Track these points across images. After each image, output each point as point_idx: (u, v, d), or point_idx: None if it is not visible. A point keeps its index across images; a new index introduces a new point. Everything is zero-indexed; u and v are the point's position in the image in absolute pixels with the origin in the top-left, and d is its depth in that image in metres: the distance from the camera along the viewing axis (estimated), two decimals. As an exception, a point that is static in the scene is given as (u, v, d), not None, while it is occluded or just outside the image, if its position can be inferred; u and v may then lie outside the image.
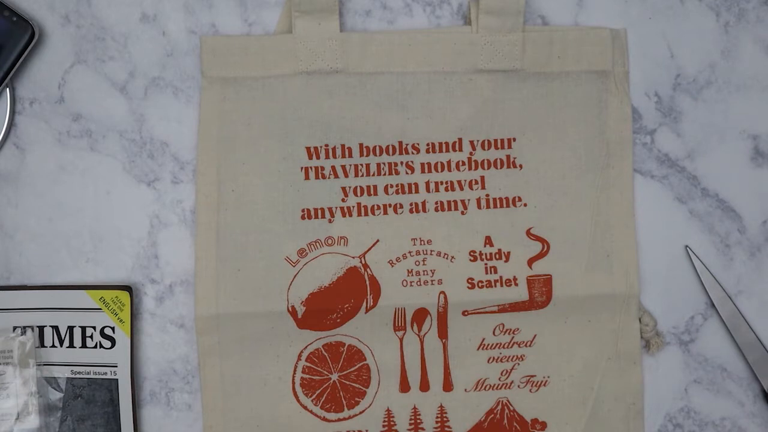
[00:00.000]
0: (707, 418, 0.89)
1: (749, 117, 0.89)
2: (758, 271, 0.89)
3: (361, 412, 0.87)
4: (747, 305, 0.89)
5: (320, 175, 0.86)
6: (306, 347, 0.86)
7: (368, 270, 0.86)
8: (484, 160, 0.87)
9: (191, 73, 0.87)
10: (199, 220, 0.85)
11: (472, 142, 0.86)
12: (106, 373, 0.85)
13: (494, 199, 0.87)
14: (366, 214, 0.86)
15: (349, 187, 0.86)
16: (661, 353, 0.89)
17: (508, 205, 0.87)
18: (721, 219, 0.89)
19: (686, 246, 0.89)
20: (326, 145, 0.86)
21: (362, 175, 0.86)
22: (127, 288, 0.85)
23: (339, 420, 0.86)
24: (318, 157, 0.86)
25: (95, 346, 0.85)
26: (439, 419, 0.87)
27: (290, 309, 0.85)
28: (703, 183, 0.89)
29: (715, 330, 0.89)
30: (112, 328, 0.85)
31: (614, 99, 0.87)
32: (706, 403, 0.89)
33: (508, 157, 0.87)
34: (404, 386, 0.87)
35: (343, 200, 0.86)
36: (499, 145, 0.86)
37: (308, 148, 0.86)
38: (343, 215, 0.86)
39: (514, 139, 0.87)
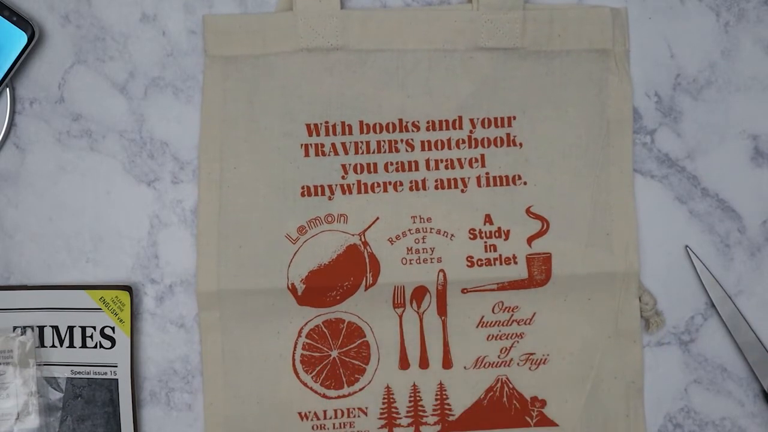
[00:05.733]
0: (707, 418, 0.89)
1: (749, 117, 0.89)
2: (758, 271, 0.89)
3: (360, 389, 0.87)
4: (747, 305, 0.89)
5: (320, 152, 0.86)
6: (306, 324, 0.86)
7: (368, 248, 0.86)
8: (484, 138, 0.87)
9: (191, 73, 0.87)
10: (201, 196, 0.86)
11: (472, 120, 0.87)
12: (106, 373, 0.85)
13: (494, 178, 0.87)
14: (366, 192, 0.86)
15: (349, 165, 0.86)
16: (661, 353, 0.89)
17: (508, 184, 0.87)
18: (721, 219, 0.89)
19: (686, 246, 0.89)
20: (326, 122, 0.86)
21: (362, 153, 0.86)
22: (127, 288, 0.85)
23: (339, 397, 0.87)
24: (318, 134, 0.86)
25: (95, 346, 0.85)
26: (438, 397, 0.87)
27: (290, 286, 0.86)
28: (703, 183, 0.89)
29: (715, 330, 0.89)
30: (112, 328, 0.85)
31: (614, 77, 0.87)
32: (706, 403, 0.89)
33: (508, 135, 0.87)
34: (404, 363, 0.87)
35: (343, 177, 0.86)
36: (499, 124, 0.87)
37: (308, 125, 0.86)
38: (343, 192, 0.86)
39: (515, 118, 0.87)
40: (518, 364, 0.87)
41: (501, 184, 0.87)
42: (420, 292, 0.87)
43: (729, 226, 0.89)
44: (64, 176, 0.87)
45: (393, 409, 0.87)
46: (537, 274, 0.87)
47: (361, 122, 0.86)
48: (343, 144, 0.86)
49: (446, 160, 0.87)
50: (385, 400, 0.87)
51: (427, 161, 0.87)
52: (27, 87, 0.87)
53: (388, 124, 0.87)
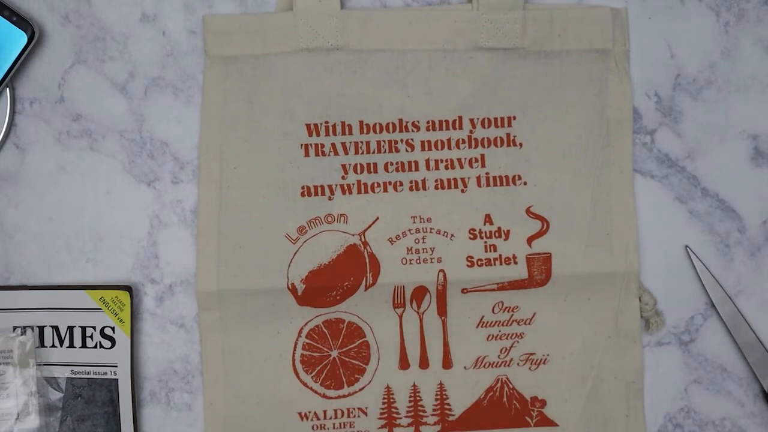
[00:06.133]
0: (707, 418, 0.89)
1: (749, 117, 0.89)
2: (758, 271, 0.89)
3: (360, 389, 0.87)
4: (747, 305, 0.89)
5: (320, 152, 0.86)
6: (306, 324, 0.86)
7: (368, 248, 0.86)
8: (484, 138, 0.87)
9: (191, 73, 0.87)
10: (201, 196, 0.86)
11: (472, 120, 0.87)
12: (106, 373, 0.85)
13: (494, 177, 0.87)
14: (366, 192, 0.86)
15: (349, 165, 0.86)
16: (661, 353, 0.89)
17: (508, 184, 0.87)
18: (721, 219, 0.89)
19: (686, 246, 0.89)
20: (326, 122, 0.86)
21: (362, 153, 0.86)
22: (127, 288, 0.85)
23: (339, 397, 0.87)
24: (318, 134, 0.86)
25: (95, 346, 0.85)
26: (438, 397, 0.87)
27: (290, 286, 0.86)
28: (703, 183, 0.89)
29: (715, 330, 0.89)
30: (112, 328, 0.85)
31: (614, 77, 0.87)
32: (706, 403, 0.89)
33: (508, 135, 0.87)
34: (404, 363, 0.87)
35: (343, 177, 0.86)
36: (499, 124, 0.87)
37: (308, 125, 0.86)
38: (343, 192, 0.86)
39: (515, 118, 0.87)
40: (518, 364, 0.87)
41: (501, 184, 0.87)
42: (420, 292, 0.87)
43: (729, 226, 0.89)
44: (64, 176, 0.87)
45: (393, 409, 0.87)
46: (537, 274, 0.87)
47: (361, 122, 0.86)
48: (343, 144, 0.86)
49: (446, 160, 0.87)
50: (385, 400, 0.87)
51: (427, 161, 0.87)
52: (27, 87, 0.87)
53: (388, 124, 0.87)
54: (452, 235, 0.87)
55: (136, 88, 0.87)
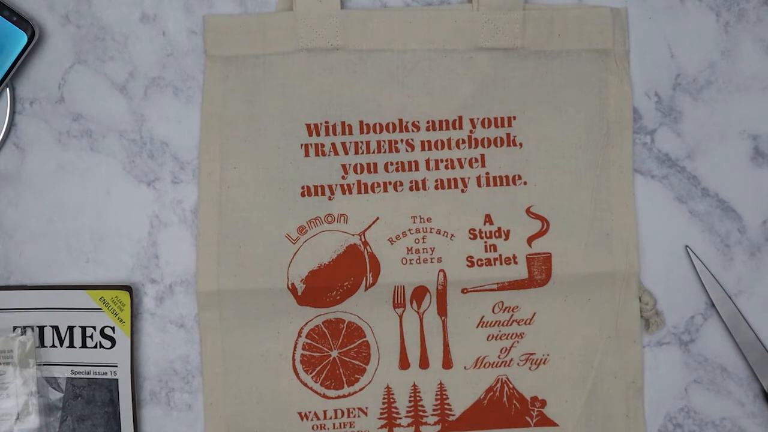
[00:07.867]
0: (707, 418, 0.89)
1: (749, 117, 0.89)
2: (758, 271, 0.89)
3: (360, 389, 0.87)
4: (747, 305, 0.89)
5: (320, 152, 0.86)
6: (306, 324, 0.86)
7: (368, 247, 0.86)
8: (484, 138, 0.87)
9: (191, 73, 0.87)
10: (201, 196, 0.86)
11: (472, 120, 0.87)
12: (106, 373, 0.85)
13: (494, 177, 0.87)
14: (366, 192, 0.86)
15: (349, 165, 0.86)
16: (661, 353, 0.89)
17: (508, 184, 0.87)
18: (721, 219, 0.89)
19: (686, 246, 0.89)
20: (326, 122, 0.86)
21: (362, 153, 0.86)
22: (127, 288, 0.85)
23: (339, 397, 0.87)
24: (318, 134, 0.86)
25: (95, 346, 0.85)
26: (438, 397, 0.87)
27: (290, 286, 0.86)
28: (703, 183, 0.89)
29: (715, 330, 0.89)
30: (112, 328, 0.85)
31: (614, 78, 0.87)
32: (706, 403, 0.89)
33: (508, 135, 0.87)
34: (404, 363, 0.87)
35: (343, 177, 0.86)
36: (499, 124, 0.87)
37: (308, 125, 0.86)
38: (343, 192, 0.86)
39: (515, 118, 0.87)
40: (518, 364, 0.87)
41: (501, 184, 0.87)
42: (420, 292, 0.87)
43: (729, 226, 0.89)
44: (64, 176, 0.87)
45: (393, 409, 0.87)
46: (537, 274, 0.87)
47: (361, 122, 0.86)
48: (343, 144, 0.86)
49: (446, 160, 0.87)
50: (385, 400, 0.87)
51: (427, 161, 0.87)
52: (27, 87, 0.87)
53: (388, 124, 0.87)
54: (452, 235, 0.87)
55: (136, 88, 0.87)
